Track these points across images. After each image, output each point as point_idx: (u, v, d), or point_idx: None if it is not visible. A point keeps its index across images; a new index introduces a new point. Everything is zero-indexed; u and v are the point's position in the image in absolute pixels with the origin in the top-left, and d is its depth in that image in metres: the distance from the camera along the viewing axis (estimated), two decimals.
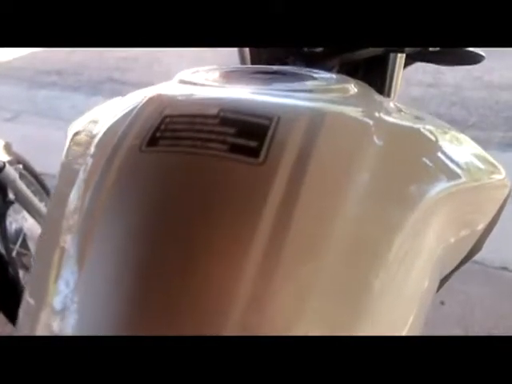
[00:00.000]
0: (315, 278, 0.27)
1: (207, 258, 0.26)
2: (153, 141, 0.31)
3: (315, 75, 0.40)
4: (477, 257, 0.44)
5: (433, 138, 0.37)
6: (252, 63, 0.61)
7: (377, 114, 0.35)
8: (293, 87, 0.36)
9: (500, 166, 0.42)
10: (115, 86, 3.07)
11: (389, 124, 0.35)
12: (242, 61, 0.64)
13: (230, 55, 0.61)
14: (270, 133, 0.30)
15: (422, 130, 0.37)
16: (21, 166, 1.15)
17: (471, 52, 0.60)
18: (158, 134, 0.31)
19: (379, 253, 0.29)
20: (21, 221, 1.16)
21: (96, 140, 0.35)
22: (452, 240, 0.35)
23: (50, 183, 2.26)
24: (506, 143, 2.20)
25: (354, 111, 0.35)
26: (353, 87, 0.38)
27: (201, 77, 0.40)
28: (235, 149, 0.29)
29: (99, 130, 0.36)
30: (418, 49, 0.53)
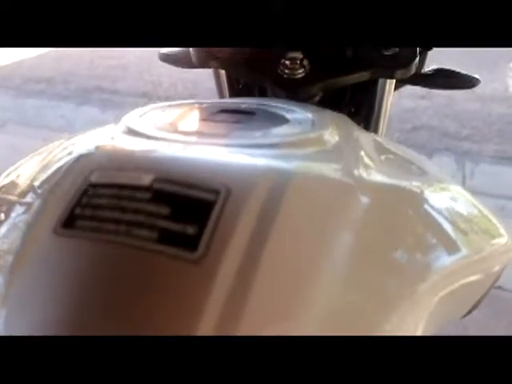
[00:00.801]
0: None
1: None
2: (70, 220, 0.25)
3: (289, 116, 0.34)
4: None
5: (425, 199, 0.32)
6: (229, 88, 0.58)
7: (356, 172, 0.29)
8: (257, 139, 0.29)
9: (501, 227, 0.37)
10: (104, 95, 3.03)
11: (372, 185, 0.29)
12: (219, 86, 0.60)
13: None
14: (214, 213, 0.23)
15: (413, 188, 0.32)
16: None
17: (466, 75, 0.56)
18: (77, 211, 0.25)
19: (363, 327, 0.24)
20: None
21: (14, 208, 0.29)
22: (447, 309, 0.31)
23: None
24: (499, 156, 2.18)
25: (328, 173, 0.29)
26: (331, 133, 0.31)
27: (150, 121, 0.33)
28: (167, 237, 0.22)
29: (19, 193, 0.30)
30: (410, 73, 0.49)
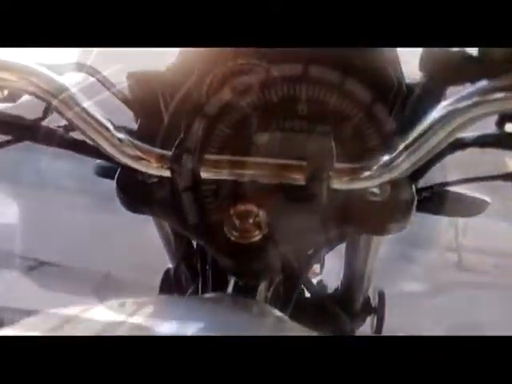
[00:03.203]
0: None
1: None
2: None
3: None
4: None
5: None
6: (175, 238, 0.47)
7: None
8: None
9: None
10: None
11: None
12: (162, 234, 0.50)
13: None
14: None
15: None
16: None
17: (474, 199, 0.46)
18: None
19: None
20: None
21: None
22: None
23: None
24: (492, 210, 2.11)
25: None
26: None
27: None
28: None
29: None
30: (406, 225, 0.36)
